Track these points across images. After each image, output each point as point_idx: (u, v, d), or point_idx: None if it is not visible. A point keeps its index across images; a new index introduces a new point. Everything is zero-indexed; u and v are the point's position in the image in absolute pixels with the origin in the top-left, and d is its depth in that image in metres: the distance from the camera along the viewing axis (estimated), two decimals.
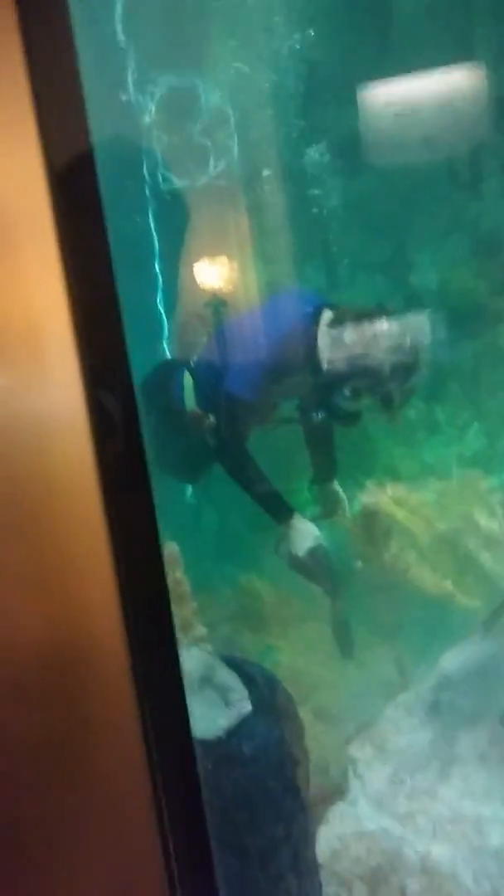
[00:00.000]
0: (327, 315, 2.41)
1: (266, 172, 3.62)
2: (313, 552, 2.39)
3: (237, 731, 1.77)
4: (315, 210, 4.42)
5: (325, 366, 2.33)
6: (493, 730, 2.20)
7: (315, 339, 2.36)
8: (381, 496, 2.77)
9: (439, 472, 3.75)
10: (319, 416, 2.45)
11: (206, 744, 1.72)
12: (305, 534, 2.42)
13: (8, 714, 0.87)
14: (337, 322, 2.36)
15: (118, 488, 0.88)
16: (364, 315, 2.34)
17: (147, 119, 3.25)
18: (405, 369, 2.26)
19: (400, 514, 2.74)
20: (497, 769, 2.13)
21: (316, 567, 2.39)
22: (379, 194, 4.53)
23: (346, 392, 2.36)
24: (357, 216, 4.49)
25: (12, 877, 0.92)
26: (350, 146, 4.05)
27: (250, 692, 1.90)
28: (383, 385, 2.28)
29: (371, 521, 2.66)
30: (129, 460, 0.91)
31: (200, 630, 2.21)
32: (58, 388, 0.89)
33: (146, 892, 0.95)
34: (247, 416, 2.47)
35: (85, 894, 0.92)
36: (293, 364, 2.39)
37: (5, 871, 0.91)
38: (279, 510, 2.44)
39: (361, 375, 2.30)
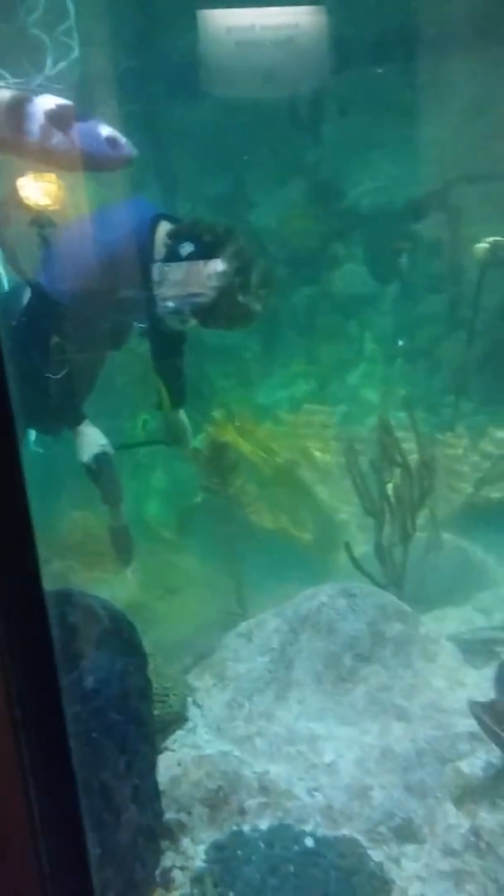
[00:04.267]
0: (164, 227, 2.26)
1: (104, 83, 3.35)
2: (97, 458, 2.35)
3: (79, 666, 1.68)
4: (152, 131, 4.19)
5: (156, 281, 2.19)
6: (327, 651, 2.29)
7: (150, 251, 2.22)
8: (227, 431, 2.74)
9: (272, 414, 3.80)
10: (144, 334, 2.33)
11: None
12: (92, 440, 2.37)
13: None
14: (175, 235, 2.22)
15: None
16: (208, 231, 2.19)
17: None
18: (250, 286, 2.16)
19: (245, 447, 2.74)
20: (331, 689, 2.23)
21: (99, 474, 2.36)
22: (219, 126, 4.38)
23: (177, 317, 2.25)
24: (197, 145, 4.33)
25: None
26: (189, 68, 3.85)
27: (92, 626, 1.82)
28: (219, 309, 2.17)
29: (219, 453, 2.64)
30: None
31: None
32: None
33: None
34: (86, 331, 2.30)
35: None
36: (126, 277, 2.22)
37: None
38: (71, 415, 2.37)
39: (194, 301, 2.19)
